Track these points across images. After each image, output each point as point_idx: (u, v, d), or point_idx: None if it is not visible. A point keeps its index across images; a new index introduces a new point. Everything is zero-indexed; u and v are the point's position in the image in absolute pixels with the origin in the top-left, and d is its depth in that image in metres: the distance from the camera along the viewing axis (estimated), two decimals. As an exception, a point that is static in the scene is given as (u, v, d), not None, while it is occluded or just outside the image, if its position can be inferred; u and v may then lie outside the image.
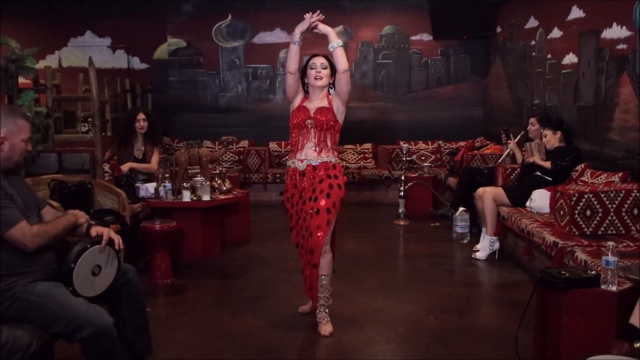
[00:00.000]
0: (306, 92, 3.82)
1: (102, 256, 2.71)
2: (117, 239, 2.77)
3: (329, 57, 3.76)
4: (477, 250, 5.33)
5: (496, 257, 5.27)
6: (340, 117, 3.72)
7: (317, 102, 3.73)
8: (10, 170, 2.70)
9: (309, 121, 3.67)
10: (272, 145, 8.52)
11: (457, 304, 4.22)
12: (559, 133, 5.31)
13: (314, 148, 3.66)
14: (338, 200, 3.64)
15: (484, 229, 5.35)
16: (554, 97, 6.08)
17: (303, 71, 3.79)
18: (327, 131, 3.66)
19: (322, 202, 3.57)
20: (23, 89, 4.96)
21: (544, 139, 5.36)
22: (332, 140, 3.69)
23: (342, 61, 3.62)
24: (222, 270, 5.12)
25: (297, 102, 3.81)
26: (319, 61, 3.74)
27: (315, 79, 3.70)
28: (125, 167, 5.47)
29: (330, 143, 3.67)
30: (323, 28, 3.69)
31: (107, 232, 2.74)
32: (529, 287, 3.72)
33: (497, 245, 5.28)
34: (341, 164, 3.78)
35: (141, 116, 5.74)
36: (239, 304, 4.24)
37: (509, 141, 6.16)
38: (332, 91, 3.76)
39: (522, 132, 6.01)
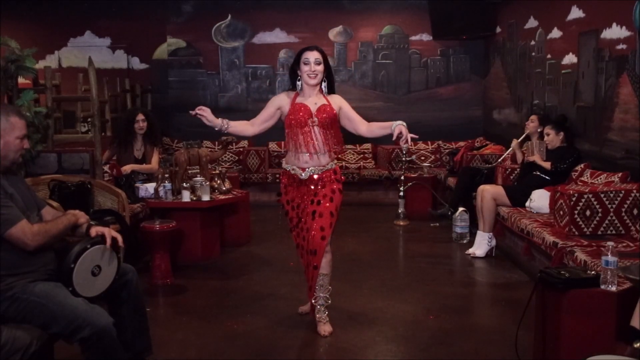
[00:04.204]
0: (293, 87, 3.69)
1: (102, 256, 2.71)
2: (118, 238, 2.77)
3: (322, 51, 3.63)
4: (470, 254, 5.35)
5: (493, 254, 5.30)
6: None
7: (313, 98, 3.62)
8: (9, 170, 2.70)
9: (313, 119, 3.57)
10: (272, 146, 8.51)
11: (457, 304, 4.22)
12: (561, 134, 5.29)
13: (316, 150, 3.57)
14: (339, 204, 3.66)
15: (479, 231, 5.36)
16: (553, 97, 6.07)
17: (295, 64, 3.65)
18: (330, 129, 3.60)
19: (326, 206, 3.57)
20: (23, 89, 4.96)
21: (545, 138, 5.35)
22: (335, 138, 3.62)
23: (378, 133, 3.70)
24: (222, 270, 5.11)
25: (286, 102, 3.65)
26: (313, 56, 3.56)
27: (310, 77, 3.56)
28: (127, 169, 5.46)
29: (333, 142, 3.61)
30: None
31: (108, 232, 2.74)
32: (528, 287, 3.73)
33: (494, 242, 5.31)
34: (339, 166, 3.76)
35: (140, 117, 5.72)
36: (238, 304, 4.24)
37: (512, 141, 6.13)
38: (324, 85, 3.65)
39: (525, 134, 5.98)
